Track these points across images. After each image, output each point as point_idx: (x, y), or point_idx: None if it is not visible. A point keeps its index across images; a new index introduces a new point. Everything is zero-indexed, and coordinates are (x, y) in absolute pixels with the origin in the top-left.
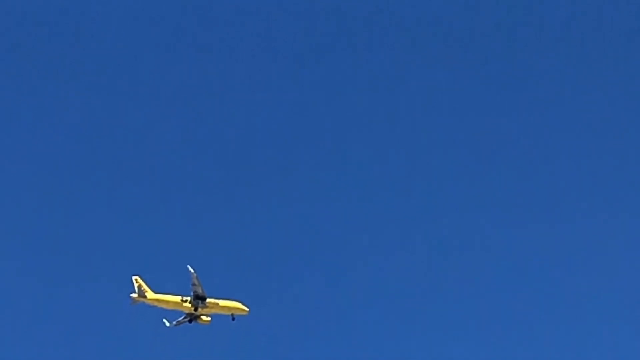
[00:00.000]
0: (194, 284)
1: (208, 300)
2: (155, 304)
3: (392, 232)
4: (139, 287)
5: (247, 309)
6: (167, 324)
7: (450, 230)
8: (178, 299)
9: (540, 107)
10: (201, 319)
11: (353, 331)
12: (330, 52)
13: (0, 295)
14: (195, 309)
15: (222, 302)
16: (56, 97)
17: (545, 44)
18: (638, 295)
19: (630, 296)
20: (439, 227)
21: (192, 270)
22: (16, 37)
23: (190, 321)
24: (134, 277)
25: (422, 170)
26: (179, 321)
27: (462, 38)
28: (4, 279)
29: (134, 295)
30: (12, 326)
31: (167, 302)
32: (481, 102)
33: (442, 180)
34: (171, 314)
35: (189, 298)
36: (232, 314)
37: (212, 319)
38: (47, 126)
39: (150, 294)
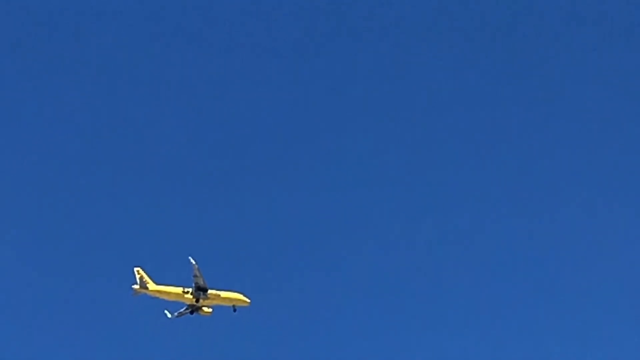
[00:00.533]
0: (195, 276)
1: (209, 291)
2: (157, 295)
3: (392, 226)
4: (141, 278)
5: (249, 300)
6: (169, 315)
7: (452, 226)
8: (179, 290)
9: (541, 102)
10: (203, 310)
11: (353, 323)
12: (330, 49)
13: (2, 287)
14: (197, 300)
15: (223, 294)
16: (57, 93)
17: (546, 36)
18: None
19: (633, 294)
20: (440, 223)
21: (193, 262)
22: (16, 37)
23: (191, 312)
24: (135, 269)
25: (421, 167)
26: (180, 312)
27: (463, 35)
28: (5, 270)
29: (136, 286)
30: (14, 317)
31: (169, 293)
32: (481, 98)
33: (442, 177)
34: (173, 305)
35: (190, 289)
36: (233, 305)
37: (213, 310)
38: (48, 119)
39: (151, 286)
